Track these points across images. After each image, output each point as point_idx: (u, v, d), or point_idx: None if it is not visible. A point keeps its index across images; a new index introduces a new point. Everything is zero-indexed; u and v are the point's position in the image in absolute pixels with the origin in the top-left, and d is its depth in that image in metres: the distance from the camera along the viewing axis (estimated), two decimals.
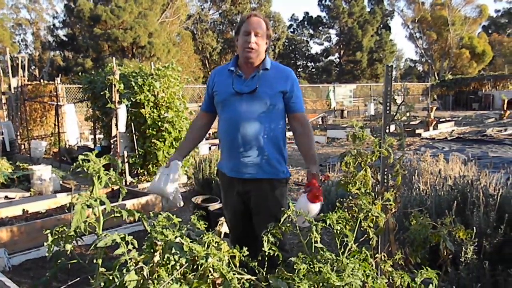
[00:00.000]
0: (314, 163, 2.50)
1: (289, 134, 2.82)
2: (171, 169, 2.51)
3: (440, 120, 15.49)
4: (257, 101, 2.45)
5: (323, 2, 47.36)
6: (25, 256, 3.59)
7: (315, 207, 2.35)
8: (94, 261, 1.88)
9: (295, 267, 1.74)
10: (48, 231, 1.54)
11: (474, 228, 2.73)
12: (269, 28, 2.53)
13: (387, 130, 2.47)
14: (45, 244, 1.54)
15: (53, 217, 4.53)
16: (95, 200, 1.46)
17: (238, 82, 2.49)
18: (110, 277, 1.46)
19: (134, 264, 1.44)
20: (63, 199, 5.47)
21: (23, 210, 4.97)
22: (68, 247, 1.57)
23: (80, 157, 1.52)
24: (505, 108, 18.38)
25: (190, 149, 2.80)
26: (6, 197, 5.76)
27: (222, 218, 1.95)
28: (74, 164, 1.54)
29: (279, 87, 2.48)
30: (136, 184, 6.66)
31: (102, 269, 1.52)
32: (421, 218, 2.54)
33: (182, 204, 2.52)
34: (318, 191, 2.34)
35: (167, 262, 1.56)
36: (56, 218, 4.43)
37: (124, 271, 1.44)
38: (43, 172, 6.39)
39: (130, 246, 1.48)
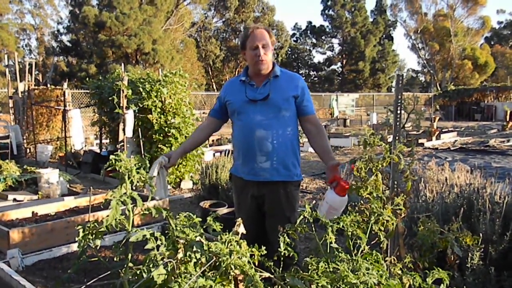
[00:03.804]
0: (332, 158, 2.59)
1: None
2: (157, 165, 2.52)
3: (443, 130, 15.56)
4: (270, 107, 2.55)
5: (326, 11, 47.66)
6: (37, 256, 3.65)
7: (344, 200, 2.44)
8: (115, 259, 1.96)
9: (309, 267, 1.81)
10: (80, 226, 1.61)
11: (480, 234, 2.80)
12: (272, 36, 2.63)
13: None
14: (76, 239, 1.61)
15: (63, 219, 4.58)
16: (127, 198, 1.54)
17: (250, 91, 2.60)
18: (138, 272, 1.53)
19: (161, 260, 1.51)
20: (71, 202, 5.53)
21: (33, 212, 5.03)
22: (98, 242, 1.64)
23: (112, 156, 1.60)
24: (507, 119, 18.47)
25: (191, 148, 2.89)
26: (14, 199, 5.82)
27: (240, 219, 2.01)
28: (107, 163, 1.61)
29: (290, 92, 2.59)
30: (142, 189, 6.72)
31: (130, 264, 1.59)
32: (429, 223, 2.60)
33: (160, 198, 2.53)
34: (346, 183, 2.40)
35: (189, 259, 1.63)
36: (66, 220, 4.48)
37: (151, 266, 1.50)
38: (51, 176, 6.46)
39: (158, 242, 1.55)
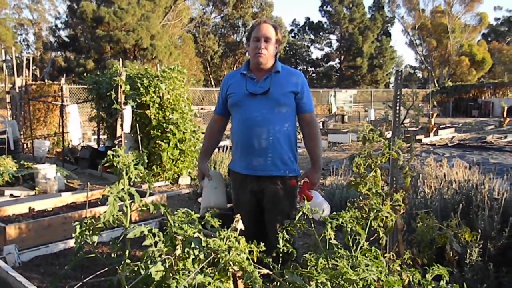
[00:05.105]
0: (314, 164, 2.67)
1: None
2: (216, 181, 2.64)
3: (441, 126, 15.57)
4: (270, 101, 2.56)
5: (324, 7, 47.58)
6: (34, 252, 3.62)
7: (318, 203, 2.55)
8: (113, 255, 1.94)
9: (308, 263, 1.80)
10: (77, 222, 1.60)
11: (479, 230, 2.79)
12: (279, 33, 2.64)
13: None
14: (73, 235, 1.60)
15: (60, 215, 4.56)
16: (125, 193, 1.53)
17: (251, 84, 2.60)
18: (135, 268, 1.52)
19: (159, 256, 1.49)
20: (68, 197, 5.50)
21: (29, 208, 5.01)
22: (95, 238, 1.63)
23: (109, 152, 1.59)
24: (505, 116, 18.49)
25: (212, 154, 3.00)
26: (11, 195, 5.79)
27: (238, 215, 2.00)
28: (105, 159, 1.59)
29: (290, 87, 2.59)
30: (140, 185, 6.70)
31: (128, 261, 1.57)
32: (428, 220, 2.60)
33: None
34: (300, 194, 2.59)
35: (187, 256, 1.62)
36: (63, 216, 4.46)
37: (149, 263, 1.49)
38: (48, 171, 6.44)
39: (156, 239, 1.53)
